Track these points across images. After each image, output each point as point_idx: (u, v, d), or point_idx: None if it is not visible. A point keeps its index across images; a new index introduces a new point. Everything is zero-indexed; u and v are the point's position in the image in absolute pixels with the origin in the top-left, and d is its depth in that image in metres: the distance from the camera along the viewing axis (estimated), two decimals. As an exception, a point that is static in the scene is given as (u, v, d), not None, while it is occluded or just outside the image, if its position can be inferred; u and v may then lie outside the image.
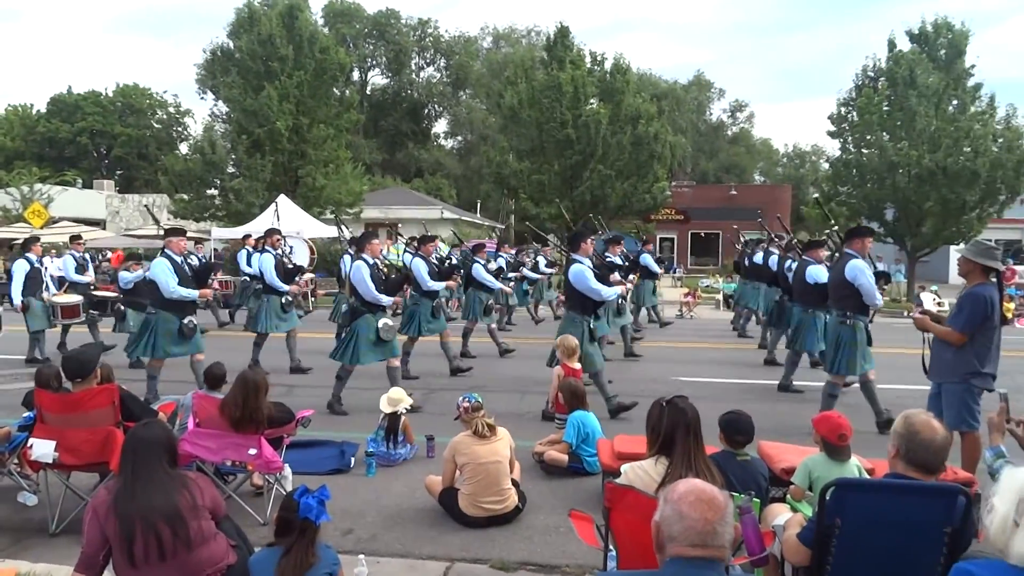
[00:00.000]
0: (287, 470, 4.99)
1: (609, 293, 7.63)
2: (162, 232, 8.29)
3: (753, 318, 14.69)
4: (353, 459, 5.98)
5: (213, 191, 26.69)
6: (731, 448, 3.97)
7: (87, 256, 12.56)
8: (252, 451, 4.62)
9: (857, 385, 8.79)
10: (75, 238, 12.60)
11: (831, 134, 29.00)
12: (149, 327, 7.92)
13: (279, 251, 10.46)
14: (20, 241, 13.03)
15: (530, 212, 28.48)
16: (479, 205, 43.46)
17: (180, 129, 55.55)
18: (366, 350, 7.70)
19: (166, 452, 3.22)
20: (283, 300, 10.07)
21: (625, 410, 7.46)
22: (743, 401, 8.08)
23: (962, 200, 25.08)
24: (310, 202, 25.22)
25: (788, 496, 4.08)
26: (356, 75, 53.61)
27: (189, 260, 8.27)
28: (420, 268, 9.73)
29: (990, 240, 14.00)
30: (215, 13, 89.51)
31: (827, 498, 2.75)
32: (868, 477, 3.91)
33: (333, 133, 26.72)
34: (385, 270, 8.36)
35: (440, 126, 59.85)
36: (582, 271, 7.44)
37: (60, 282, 11.63)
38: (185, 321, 7.87)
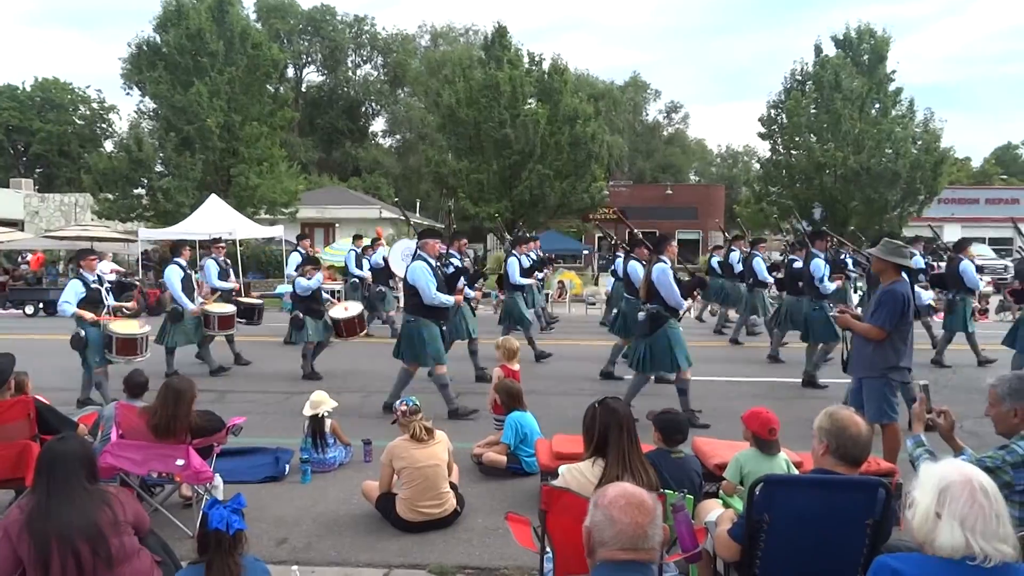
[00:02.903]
0: (217, 480, 4.83)
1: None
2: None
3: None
4: (288, 466, 5.85)
5: (140, 190, 25.75)
6: (666, 446, 4.04)
7: (228, 260, 11.77)
8: (180, 461, 4.46)
9: (794, 380, 9.10)
10: (215, 241, 11.73)
11: (762, 135, 29.92)
12: (419, 335, 7.57)
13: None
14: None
15: (469, 211, 28.42)
16: (418, 204, 43.14)
17: (104, 126, 53.38)
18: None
19: (84, 466, 3.07)
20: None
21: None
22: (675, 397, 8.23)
23: (885, 199, 26.25)
24: (243, 202, 24.57)
25: (721, 491, 4.16)
26: (291, 72, 52.54)
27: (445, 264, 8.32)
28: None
29: (910, 237, 14.73)
30: (140, 6, 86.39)
31: (756, 494, 2.81)
32: (796, 471, 4.02)
33: (267, 131, 26.11)
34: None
35: (378, 124, 59.23)
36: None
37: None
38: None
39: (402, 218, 12.85)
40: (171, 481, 4.77)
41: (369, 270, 13.49)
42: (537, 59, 30.18)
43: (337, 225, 31.42)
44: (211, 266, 10.93)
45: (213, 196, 21.62)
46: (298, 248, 13.38)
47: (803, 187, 27.28)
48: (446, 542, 4.58)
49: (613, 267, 15.03)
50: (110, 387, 7.84)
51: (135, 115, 28.61)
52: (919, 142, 26.96)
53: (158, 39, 25.80)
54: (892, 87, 28.01)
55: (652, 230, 38.46)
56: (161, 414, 4.57)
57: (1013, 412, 3.14)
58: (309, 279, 9.80)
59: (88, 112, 53.91)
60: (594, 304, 18.83)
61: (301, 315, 9.63)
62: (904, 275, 5.46)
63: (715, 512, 3.44)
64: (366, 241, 14.33)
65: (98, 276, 8.43)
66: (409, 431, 4.81)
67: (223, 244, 10.70)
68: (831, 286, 9.41)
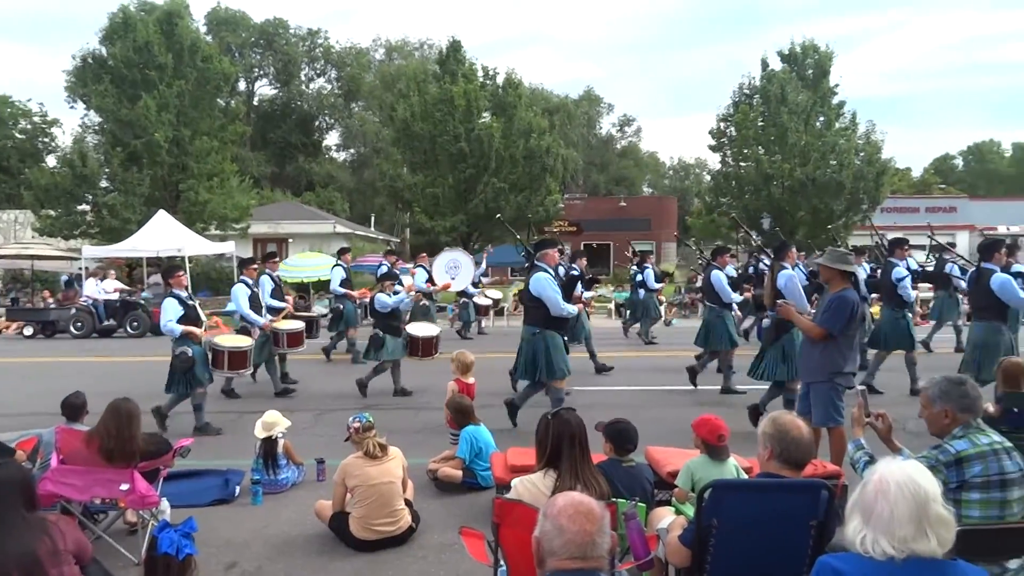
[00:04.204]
0: (164, 504, 4.71)
1: None
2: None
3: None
4: (239, 488, 5.73)
5: (84, 207, 25.03)
6: (618, 456, 4.07)
7: (280, 277, 11.18)
8: (124, 486, 4.33)
9: (736, 387, 9.26)
10: (270, 256, 11.12)
11: (712, 148, 30.53)
12: (544, 348, 7.33)
13: None
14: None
15: (424, 225, 28.32)
16: (373, 219, 42.85)
17: (46, 140, 51.78)
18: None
19: (22, 494, 2.98)
20: None
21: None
22: (638, 407, 8.32)
23: (830, 209, 26.98)
24: (193, 217, 24.09)
25: (673, 499, 4.22)
26: (242, 85, 51.80)
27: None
28: (721, 280, 9.76)
29: (854, 246, 15.19)
30: (86, 18, 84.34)
31: (705, 500, 2.86)
32: (746, 476, 4.10)
33: (217, 145, 25.69)
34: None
35: (332, 138, 58.64)
36: (791, 276, 7.52)
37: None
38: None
39: (356, 233, 12.73)
40: (115, 507, 4.63)
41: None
42: (492, 73, 30.34)
43: (290, 240, 31.00)
44: (266, 282, 10.27)
45: (161, 212, 21.17)
46: (339, 263, 12.96)
47: (752, 198, 27.89)
48: (401, 560, 4.54)
49: (634, 277, 15.30)
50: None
51: (79, 129, 27.93)
52: (862, 153, 27.82)
53: (104, 51, 25.23)
54: (835, 100, 28.86)
55: (607, 242, 38.73)
56: (114, 437, 4.45)
57: (944, 413, 3.26)
58: (391, 295, 9.51)
59: (29, 126, 52.24)
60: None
61: (381, 333, 9.26)
62: (851, 281, 5.64)
63: (667, 519, 3.49)
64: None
65: (189, 293, 8.15)
66: (362, 448, 4.76)
67: (277, 259, 10.39)
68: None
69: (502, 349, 14.13)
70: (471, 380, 6.89)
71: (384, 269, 11.99)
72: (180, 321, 7.62)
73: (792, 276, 7.56)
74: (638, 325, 15.26)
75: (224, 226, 25.86)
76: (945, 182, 59.10)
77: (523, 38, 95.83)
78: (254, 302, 9.49)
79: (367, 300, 13.20)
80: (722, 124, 29.83)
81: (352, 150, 56.85)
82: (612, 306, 22.42)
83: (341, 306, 12.49)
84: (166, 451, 4.80)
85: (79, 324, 17.49)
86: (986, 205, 40.69)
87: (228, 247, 22.28)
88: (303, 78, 55.78)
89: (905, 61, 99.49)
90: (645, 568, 3.27)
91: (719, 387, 9.57)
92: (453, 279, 13.11)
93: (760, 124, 28.11)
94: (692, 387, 9.55)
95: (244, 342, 8.35)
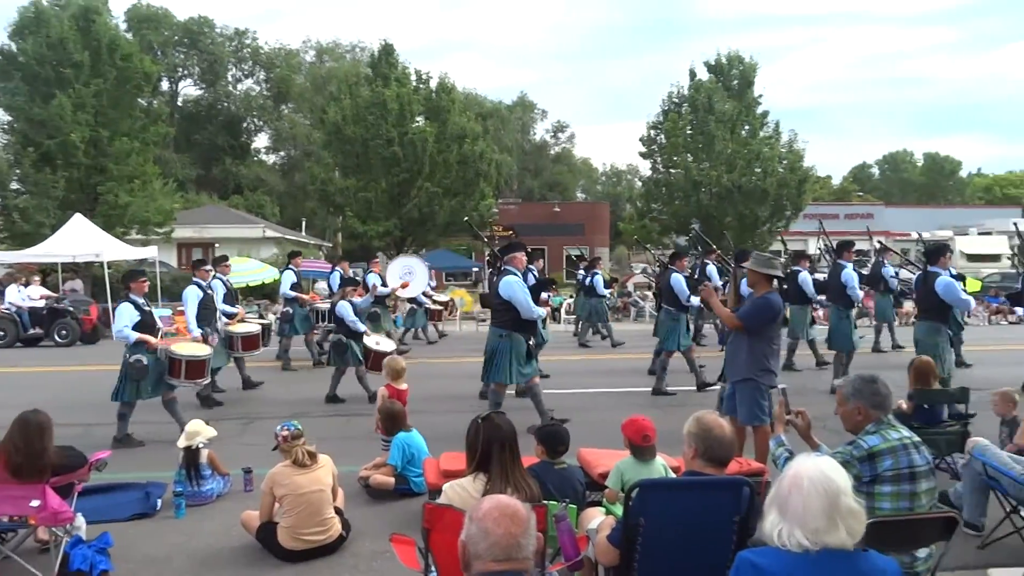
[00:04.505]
0: (79, 520, 4.50)
1: None
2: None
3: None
4: (160, 501, 5.52)
5: (-7, 210, 23.74)
6: (549, 458, 4.11)
7: (231, 281, 10.83)
8: (34, 503, 4.11)
9: (667, 388, 9.46)
10: (221, 260, 10.71)
11: (643, 155, 31.15)
12: (512, 351, 7.26)
13: None
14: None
15: (357, 230, 27.94)
16: (304, 223, 42.03)
17: (-49, 140, 48.93)
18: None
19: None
20: None
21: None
22: (575, 410, 8.40)
23: (755, 215, 27.88)
24: (112, 221, 23.07)
25: (604, 500, 4.27)
26: (165, 85, 50.12)
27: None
28: (681, 283, 9.98)
29: (779, 251, 15.81)
30: (-6, 11, 79.95)
31: (632, 499, 2.91)
32: (674, 475, 4.18)
33: (139, 147, 24.67)
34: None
35: (261, 141, 57.25)
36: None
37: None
38: None
39: (287, 237, 12.54)
40: (25, 525, 4.39)
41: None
42: (425, 77, 30.21)
43: (217, 245, 30.09)
44: (218, 287, 10.06)
45: (78, 215, 20.23)
46: (290, 267, 12.81)
47: (682, 204, 28.56)
48: (331, 569, 4.46)
49: (581, 282, 15.52)
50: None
51: (-14, 129, 26.39)
52: (784, 162, 28.85)
53: (14, 47, 23.96)
54: (759, 110, 29.86)
55: (541, 247, 39.02)
56: (23, 452, 4.23)
57: (856, 410, 3.41)
58: (354, 301, 9.57)
59: (-69, 125, 49.30)
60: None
61: (344, 338, 9.29)
62: (775, 285, 5.85)
63: (597, 520, 3.53)
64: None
65: (146, 299, 7.83)
66: (291, 457, 4.66)
67: (228, 263, 10.27)
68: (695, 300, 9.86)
69: (446, 355, 14.12)
70: (403, 386, 6.82)
71: (338, 276, 12.23)
72: (136, 328, 7.38)
73: (806, 279, 7.90)
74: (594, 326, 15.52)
75: (146, 230, 24.92)
76: (863, 190, 61.97)
77: (457, 43, 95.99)
78: (207, 304, 9.28)
79: (317, 304, 13.32)
80: (652, 132, 30.46)
81: (282, 153, 55.68)
82: (547, 311, 22.57)
83: (291, 310, 12.39)
84: (80, 465, 4.58)
85: (1, 333, 16.53)
86: (900, 212, 42.90)
87: (151, 252, 21.47)
88: (230, 79, 54.34)
89: (825, 74, 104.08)
90: (575, 568, 3.30)
91: (650, 389, 9.75)
92: (406, 286, 13.09)
93: (688, 132, 28.84)
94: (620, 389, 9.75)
95: (202, 351, 8.08)
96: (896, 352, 13.12)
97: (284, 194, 48.91)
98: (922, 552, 3.24)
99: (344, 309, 9.48)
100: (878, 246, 13.26)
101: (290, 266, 12.82)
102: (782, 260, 8.58)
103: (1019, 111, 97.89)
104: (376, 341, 9.89)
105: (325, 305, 13.53)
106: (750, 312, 5.68)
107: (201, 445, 5.69)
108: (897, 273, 13.49)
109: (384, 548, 4.63)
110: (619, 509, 3.93)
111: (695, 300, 10.00)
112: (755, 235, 28.12)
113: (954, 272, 10.27)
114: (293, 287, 12.41)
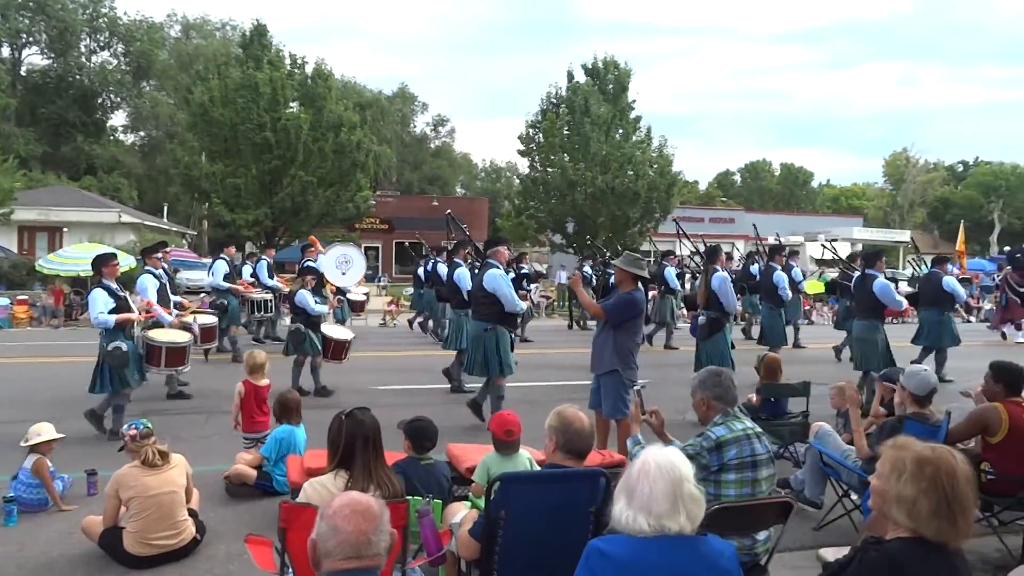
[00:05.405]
0: None
1: None
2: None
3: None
4: (-10, 507, 5.03)
5: None
6: (416, 454, 4.09)
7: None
8: None
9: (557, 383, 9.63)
10: (160, 246, 9.44)
11: (521, 153, 31.60)
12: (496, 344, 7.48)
13: None
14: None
15: (224, 218, 26.63)
16: (166, 209, 39.57)
17: None
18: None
19: None
20: None
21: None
22: (440, 404, 8.39)
23: (627, 216, 28.94)
24: (-61, 200, 20.85)
25: (471, 494, 4.30)
26: (6, 52, 45.69)
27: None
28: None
29: (668, 250, 16.54)
30: None
31: (493, 492, 2.94)
32: (539, 469, 4.27)
33: (-27, 118, 22.41)
34: None
35: (118, 119, 53.19)
36: (724, 278, 8.37)
37: None
38: None
39: (146, 223, 11.77)
40: None
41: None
42: (300, 62, 29.20)
43: (66, 230, 27.80)
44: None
45: None
46: (222, 256, 12.39)
47: (558, 203, 29.19)
48: (184, 573, 4.23)
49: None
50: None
51: None
52: (655, 166, 30.12)
53: None
54: (633, 115, 30.99)
55: (419, 241, 38.83)
56: None
57: (703, 402, 3.63)
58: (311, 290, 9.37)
59: None
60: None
61: (303, 328, 9.05)
62: (641, 284, 6.11)
63: (460, 514, 3.54)
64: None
65: (120, 284, 7.42)
66: (140, 457, 4.37)
67: (159, 256, 9.32)
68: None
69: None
70: (263, 382, 6.51)
71: (224, 264, 12.15)
72: (111, 313, 7.03)
73: (725, 278, 8.46)
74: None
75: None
76: (726, 195, 65.79)
77: (335, 28, 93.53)
78: (161, 294, 8.71)
79: (252, 296, 13.05)
80: (531, 130, 30.95)
81: (142, 133, 52.04)
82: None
83: (226, 301, 11.88)
84: None
85: None
86: (759, 217, 45.77)
87: (-16, 234, 19.57)
88: (83, 49, 50.09)
89: (694, 84, 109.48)
90: (437, 563, 3.31)
91: (529, 384, 9.89)
92: (344, 275, 12.60)
93: (566, 133, 29.51)
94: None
95: (182, 337, 7.85)
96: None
97: (144, 177, 45.80)
98: (762, 535, 3.47)
99: (304, 298, 9.28)
100: (831, 253, 14.07)
101: (222, 255, 12.56)
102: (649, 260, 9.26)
103: (864, 128, 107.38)
104: (334, 329, 9.82)
105: (257, 295, 13.20)
106: (615, 305, 5.94)
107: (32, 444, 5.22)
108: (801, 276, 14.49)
109: (241, 550, 4.44)
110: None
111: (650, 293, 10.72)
112: (626, 235, 29.18)
113: (799, 272, 11.37)
114: (226, 277, 12.15)
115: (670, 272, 14.21)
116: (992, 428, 4.52)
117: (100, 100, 50.68)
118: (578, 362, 7.66)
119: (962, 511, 2.04)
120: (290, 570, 2.95)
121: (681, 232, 14.77)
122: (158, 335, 7.69)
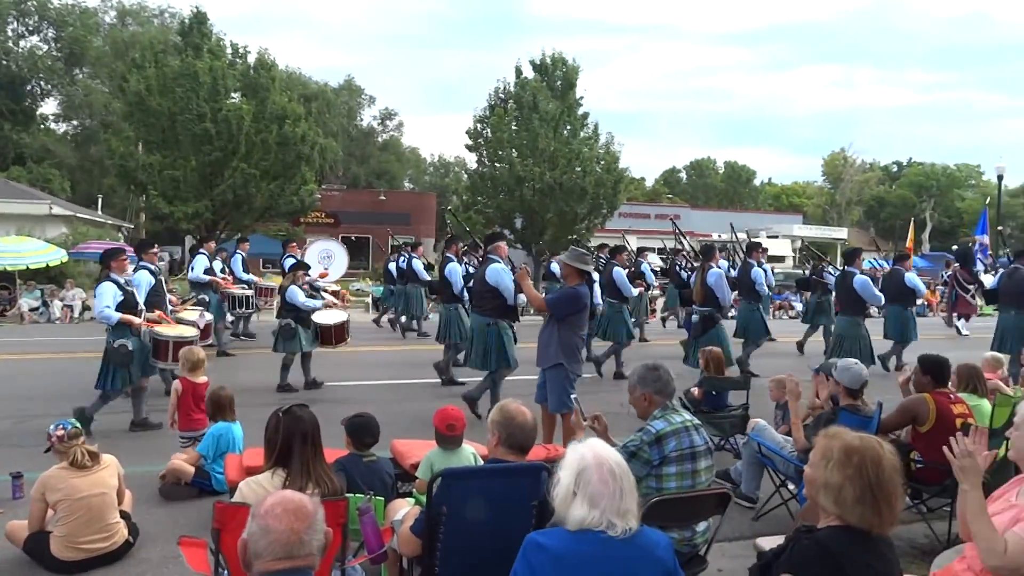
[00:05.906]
0: None
1: None
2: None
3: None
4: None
5: None
6: (357, 450, 4.03)
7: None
8: None
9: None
10: (146, 245, 8.73)
11: (469, 148, 31.45)
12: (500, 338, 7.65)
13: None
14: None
15: (162, 211, 25.81)
16: (100, 200, 38.16)
17: None
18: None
19: None
20: None
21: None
22: (390, 401, 8.31)
23: (575, 212, 29.12)
24: None
25: (414, 490, 4.26)
26: (-75, 34, 43.39)
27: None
28: (623, 276, 10.49)
29: (594, 246, 16.67)
30: None
31: (435, 488, 2.92)
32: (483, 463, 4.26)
33: None
34: None
35: (49, 107, 50.99)
36: (720, 274, 8.90)
37: None
38: None
39: (79, 216, 11.33)
40: None
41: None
42: (242, 51, 28.43)
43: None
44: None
45: None
46: (202, 250, 12.06)
47: (506, 198, 29.18)
48: (114, 578, 4.09)
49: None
50: None
51: None
52: (602, 162, 30.35)
53: None
54: (580, 112, 31.14)
55: (366, 235, 38.22)
56: None
57: (643, 397, 3.67)
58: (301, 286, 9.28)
59: None
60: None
61: (293, 323, 9.00)
62: (585, 279, 6.17)
63: (402, 511, 3.51)
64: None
65: (128, 278, 7.29)
66: (68, 458, 4.21)
67: (155, 251, 8.88)
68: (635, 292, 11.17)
69: (247, 347, 13.37)
70: (201, 379, 6.34)
71: (290, 260, 11.82)
72: (118, 309, 6.89)
73: (720, 274, 8.79)
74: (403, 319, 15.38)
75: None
76: (672, 192, 66.79)
77: (279, 18, 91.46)
78: (157, 290, 8.30)
79: (231, 291, 12.70)
80: (479, 125, 30.82)
81: (75, 122, 50.06)
82: (370, 300, 22.22)
83: (206, 297, 11.58)
84: None
85: None
86: (704, 214, 46.69)
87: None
88: (11, 33, 47.88)
89: (641, 82, 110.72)
90: (379, 561, 3.27)
91: (476, 378, 9.87)
92: (327, 269, 12.43)
93: (514, 128, 29.50)
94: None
95: (189, 332, 7.68)
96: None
97: (77, 168, 44.07)
98: (701, 525, 3.53)
99: (294, 293, 9.15)
100: (804, 252, 14.56)
101: (202, 250, 12.28)
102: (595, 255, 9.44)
103: (803, 128, 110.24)
104: (325, 315, 9.73)
105: (237, 291, 12.90)
106: (558, 299, 6.00)
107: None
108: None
109: (176, 552, 4.31)
110: (428, 499, 3.94)
111: (635, 291, 11.12)
112: (574, 231, 29.36)
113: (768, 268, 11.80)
114: (206, 272, 11.87)
115: (646, 267, 14.51)
116: (921, 418, 4.69)
117: (29, 87, 48.54)
118: (524, 357, 7.67)
119: (886, 499, 2.11)
120: (225, 572, 2.88)
121: (677, 231, 15.02)
122: (165, 329, 7.56)
